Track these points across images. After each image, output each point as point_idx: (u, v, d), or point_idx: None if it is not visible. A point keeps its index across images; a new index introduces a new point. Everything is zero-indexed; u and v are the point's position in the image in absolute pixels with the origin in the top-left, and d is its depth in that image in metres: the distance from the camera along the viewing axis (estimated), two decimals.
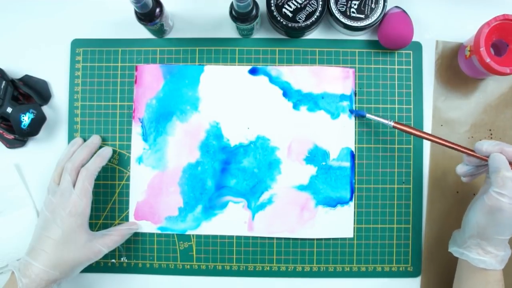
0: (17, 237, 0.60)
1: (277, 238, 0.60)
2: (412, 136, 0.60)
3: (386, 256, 0.60)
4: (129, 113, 0.61)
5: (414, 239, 0.60)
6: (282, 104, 0.60)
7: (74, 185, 0.53)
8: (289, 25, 0.58)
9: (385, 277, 0.60)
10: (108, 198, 0.61)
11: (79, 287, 0.61)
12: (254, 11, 0.55)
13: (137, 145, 0.61)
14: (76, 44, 0.62)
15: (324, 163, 0.60)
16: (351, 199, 0.60)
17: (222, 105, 0.61)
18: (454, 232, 0.55)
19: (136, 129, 0.61)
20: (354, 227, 0.60)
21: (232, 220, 0.60)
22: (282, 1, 0.58)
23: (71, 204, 0.52)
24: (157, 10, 0.54)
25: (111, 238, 0.55)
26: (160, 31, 0.59)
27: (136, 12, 0.55)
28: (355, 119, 0.61)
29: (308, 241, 0.60)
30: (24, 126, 0.57)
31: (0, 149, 0.61)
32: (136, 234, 0.60)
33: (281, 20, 0.58)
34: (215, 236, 0.60)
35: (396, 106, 0.61)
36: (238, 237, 0.60)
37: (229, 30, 0.62)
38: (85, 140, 0.60)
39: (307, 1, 0.57)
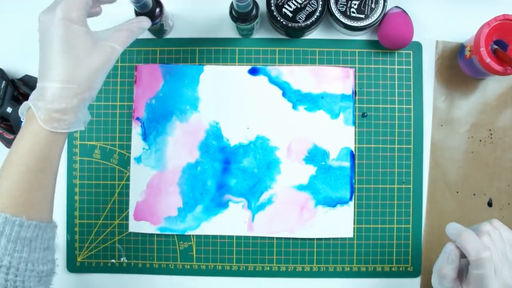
0: None
1: (277, 238, 0.60)
2: (412, 136, 0.60)
3: (386, 256, 0.60)
4: (129, 113, 0.61)
5: (414, 239, 0.60)
6: (282, 104, 0.60)
7: None
8: (289, 25, 0.58)
9: (385, 277, 0.60)
10: (108, 198, 0.61)
11: (80, 287, 0.61)
12: (254, 11, 0.55)
13: (137, 145, 0.61)
14: None
15: (323, 163, 0.60)
16: (350, 199, 0.60)
17: (221, 105, 0.61)
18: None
19: (136, 129, 0.61)
20: (354, 227, 0.60)
21: (232, 220, 0.60)
22: (282, 1, 0.57)
23: (62, 4, 0.42)
24: (157, 10, 0.54)
25: (121, 34, 0.46)
26: (160, 31, 0.59)
27: (136, 12, 0.55)
28: (355, 119, 0.61)
29: (308, 241, 0.60)
30: None
31: (0, 149, 0.61)
32: (136, 234, 0.60)
33: (281, 20, 0.58)
34: (215, 236, 0.60)
35: (396, 106, 0.61)
36: (238, 237, 0.60)
37: (229, 30, 0.62)
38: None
39: (307, 1, 0.57)
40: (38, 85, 0.42)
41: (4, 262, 0.39)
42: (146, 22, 0.50)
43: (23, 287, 0.40)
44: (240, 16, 0.55)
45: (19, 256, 0.40)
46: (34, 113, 0.40)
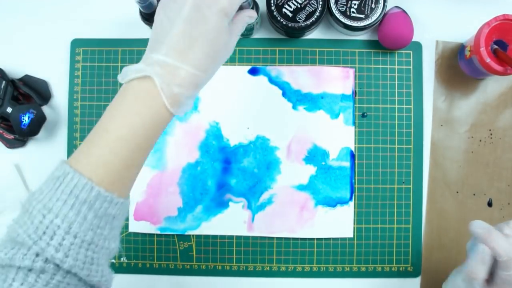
0: None
1: (277, 238, 0.60)
2: (412, 136, 0.60)
3: (386, 256, 0.60)
4: None
5: (414, 239, 0.60)
6: (282, 104, 0.60)
7: None
8: (289, 25, 0.58)
9: (385, 277, 0.60)
10: None
11: None
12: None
13: None
14: (76, 44, 0.62)
15: (323, 163, 0.60)
16: (350, 199, 0.60)
17: (221, 105, 0.61)
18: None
19: None
20: (354, 227, 0.60)
21: (232, 220, 0.60)
22: (282, 1, 0.57)
23: None
24: None
25: (237, 26, 0.43)
26: None
27: (141, 12, 0.55)
28: (355, 119, 0.61)
29: (308, 241, 0.60)
30: (24, 126, 0.57)
31: (0, 149, 0.61)
32: (136, 234, 0.60)
33: (281, 20, 0.58)
34: (215, 236, 0.60)
35: (396, 106, 0.61)
36: (238, 237, 0.60)
37: None
38: None
39: (307, 1, 0.57)
40: (170, 61, 0.38)
41: (87, 237, 0.36)
42: (254, 13, 0.47)
43: (97, 264, 0.38)
44: (147, 16, 0.54)
45: (101, 232, 0.38)
46: (159, 92, 0.37)
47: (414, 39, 0.59)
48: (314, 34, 0.62)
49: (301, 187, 0.60)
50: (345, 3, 0.57)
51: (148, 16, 0.54)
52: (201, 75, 0.39)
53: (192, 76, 0.38)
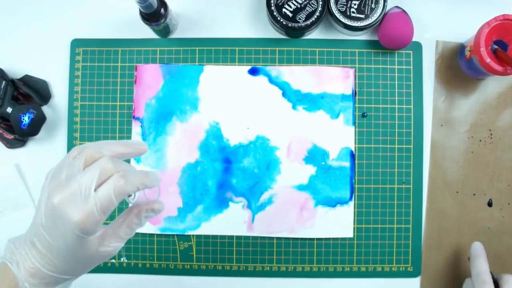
0: None
1: (277, 238, 0.60)
2: (412, 136, 0.60)
3: (386, 256, 0.60)
4: (129, 113, 0.61)
5: (414, 239, 0.60)
6: (282, 104, 0.60)
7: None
8: (289, 25, 0.58)
9: (385, 277, 0.60)
10: None
11: (80, 287, 0.61)
12: (162, 10, 0.55)
13: None
14: (76, 44, 0.62)
15: (323, 163, 0.60)
16: (350, 199, 0.60)
17: (221, 105, 0.61)
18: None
19: (136, 129, 0.61)
20: (354, 227, 0.60)
21: (232, 220, 0.60)
22: (282, 1, 0.58)
23: (83, 213, 0.37)
24: (162, 10, 0.54)
25: (117, 235, 0.43)
26: (164, 31, 0.59)
27: (141, 12, 0.55)
28: (355, 119, 0.61)
29: (308, 241, 0.60)
30: (24, 126, 0.57)
31: (0, 149, 0.61)
32: (136, 234, 0.60)
33: (281, 20, 0.58)
34: (215, 236, 0.60)
35: (396, 106, 0.61)
36: (238, 237, 0.60)
37: (229, 30, 0.62)
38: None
39: (307, 1, 0.57)
40: (34, 260, 0.39)
41: None
42: (159, 205, 0.45)
43: None
44: (147, 16, 0.54)
45: None
46: (16, 277, 0.39)
47: (414, 39, 0.59)
48: (314, 34, 0.62)
49: (301, 187, 0.60)
50: (345, 3, 0.57)
51: (148, 16, 0.54)
52: (63, 276, 0.41)
53: (50, 277, 0.40)
